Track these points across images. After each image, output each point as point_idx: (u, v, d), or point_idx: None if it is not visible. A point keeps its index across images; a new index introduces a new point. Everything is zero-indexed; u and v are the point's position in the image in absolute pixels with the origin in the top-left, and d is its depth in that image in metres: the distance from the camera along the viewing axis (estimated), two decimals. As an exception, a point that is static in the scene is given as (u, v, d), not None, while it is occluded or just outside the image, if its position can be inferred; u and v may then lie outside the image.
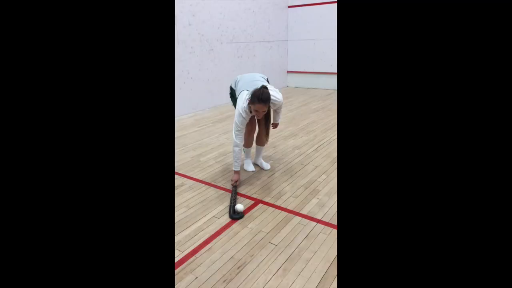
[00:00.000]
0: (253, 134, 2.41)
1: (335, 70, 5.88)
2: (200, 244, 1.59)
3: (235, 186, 2.14)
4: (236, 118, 2.08)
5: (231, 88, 2.35)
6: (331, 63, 5.91)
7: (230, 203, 1.94)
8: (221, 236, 1.66)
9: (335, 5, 5.59)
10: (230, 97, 2.40)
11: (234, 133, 2.12)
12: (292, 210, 1.90)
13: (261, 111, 2.00)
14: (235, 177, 2.19)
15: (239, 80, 2.27)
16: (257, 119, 2.29)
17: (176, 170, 2.50)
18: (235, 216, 1.82)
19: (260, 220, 1.80)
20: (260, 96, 1.93)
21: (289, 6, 6.21)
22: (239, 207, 1.84)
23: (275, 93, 2.11)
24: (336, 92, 5.77)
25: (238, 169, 2.21)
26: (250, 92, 2.01)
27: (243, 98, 2.07)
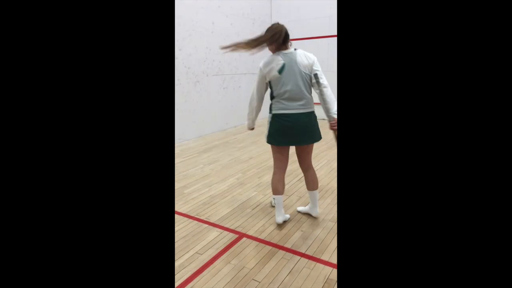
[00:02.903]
0: (283, 174, 2.06)
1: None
2: (181, 283, 1.54)
3: None
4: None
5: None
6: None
7: None
8: (203, 273, 1.62)
9: (318, 40, 5.90)
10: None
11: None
12: (276, 244, 1.88)
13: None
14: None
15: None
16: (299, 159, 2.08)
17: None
18: None
19: (244, 255, 1.78)
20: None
21: (272, 40, 6.50)
22: None
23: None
24: (322, 121, 5.91)
25: (251, 126, 2.18)
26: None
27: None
